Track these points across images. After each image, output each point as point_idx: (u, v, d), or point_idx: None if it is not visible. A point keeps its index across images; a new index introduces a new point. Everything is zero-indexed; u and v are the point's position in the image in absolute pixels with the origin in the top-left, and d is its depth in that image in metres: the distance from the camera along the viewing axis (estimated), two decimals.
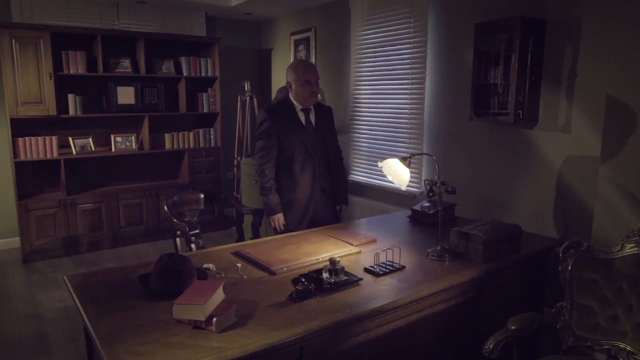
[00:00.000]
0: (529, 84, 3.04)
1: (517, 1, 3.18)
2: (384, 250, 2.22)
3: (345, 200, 3.20)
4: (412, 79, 4.09)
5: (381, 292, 1.91)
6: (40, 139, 4.64)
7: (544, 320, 2.07)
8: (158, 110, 5.20)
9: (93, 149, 5.02)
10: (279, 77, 5.98)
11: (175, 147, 5.41)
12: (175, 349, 1.46)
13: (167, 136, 5.35)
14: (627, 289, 1.99)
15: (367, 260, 2.24)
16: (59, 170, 4.82)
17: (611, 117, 2.58)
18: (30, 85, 4.47)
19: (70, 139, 4.89)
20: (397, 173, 2.48)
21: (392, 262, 2.18)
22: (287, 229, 2.93)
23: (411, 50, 4.07)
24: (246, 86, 5.39)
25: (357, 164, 4.82)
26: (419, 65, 4.00)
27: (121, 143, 5.17)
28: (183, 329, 1.58)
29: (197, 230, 2.84)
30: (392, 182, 2.64)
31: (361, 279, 2.01)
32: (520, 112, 3.06)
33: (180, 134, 5.43)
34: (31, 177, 4.82)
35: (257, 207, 3.35)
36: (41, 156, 4.65)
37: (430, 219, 2.86)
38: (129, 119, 5.23)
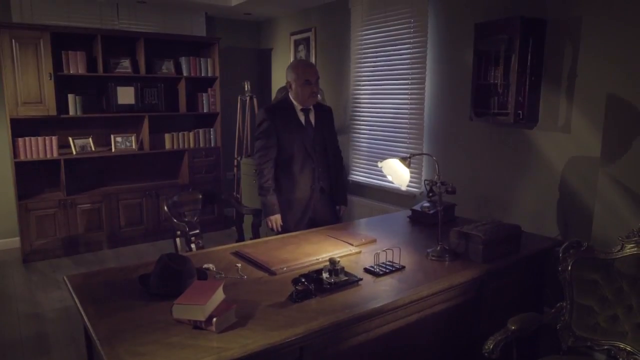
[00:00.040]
0: (529, 84, 3.04)
1: (517, 1, 3.18)
2: (384, 251, 2.22)
3: (344, 201, 3.20)
4: (412, 79, 4.09)
5: (381, 292, 1.91)
6: (40, 139, 4.64)
7: (544, 321, 2.07)
8: (158, 111, 5.21)
9: (93, 149, 5.02)
10: (279, 77, 5.98)
11: (175, 147, 5.41)
12: (175, 349, 1.46)
13: (167, 136, 5.35)
14: (627, 289, 1.99)
15: (367, 260, 2.24)
16: (59, 170, 4.82)
17: (611, 117, 2.58)
18: (30, 85, 4.47)
19: (70, 139, 4.89)
20: (397, 173, 2.48)
21: (392, 262, 2.18)
22: (286, 229, 2.92)
23: (411, 50, 4.07)
24: (246, 86, 5.39)
25: (357, 164, 4.82)
26: (419, 65, 4.00)
27: (121, 143, 5.17)
28: (183, 329, 1.58)
29: (197, 231, 2.84)
30: (392, 182, 2.64)
31: (361, 279, 2.01)
32: (520, 112, 3.06)
33: (180, 134, 5.43)
34: (31, 177, 4.82)
35: (257, 208, 3.34)
36: (41, 156, 4.65)
37: (430, 219, 2.86)
38: (129, 119, 5.23)
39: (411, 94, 4.10)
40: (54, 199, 4.72)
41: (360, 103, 4.70)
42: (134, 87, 5.01)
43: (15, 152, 4.53)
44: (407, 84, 4.14)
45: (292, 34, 5.61)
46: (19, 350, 3.07)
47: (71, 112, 4.78)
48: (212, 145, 5.64)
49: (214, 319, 1.56)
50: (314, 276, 1.96)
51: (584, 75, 2.89)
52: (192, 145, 5.50)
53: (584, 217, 2.90)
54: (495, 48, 3.10)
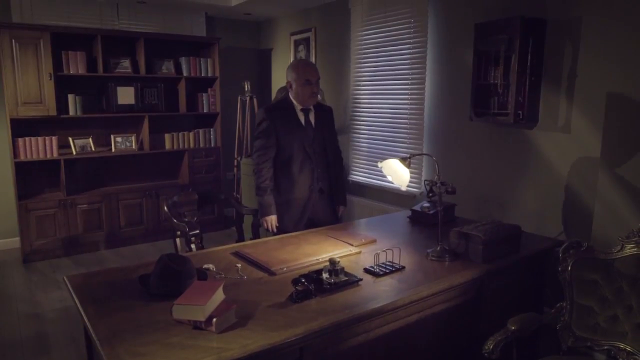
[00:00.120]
0: (529, 84, 3.04)
1: (517, 1, 3.18)
2: (383, 251, 2.22)
3: (343, 202, 3.19)
4: (412, 79, 4.09)
5: (381, 292, 1.91)
6: (40, 139, 4.64)
7: (543, 321, 2.07)
8: (158, 111, 5.21)
9: (93, 149, 5.02)
10: (279, 77, 5.98)
11: (175, 147, 5.41)
12: (175, 350, 1.46)
13: (167, 136, 5.35)
14: (627, 290, 1.99)
15: (367, 260, 2.24)
16: (59, 171, 4.82)
17: (611, 117, 2.58)
18: (30, 85, 4.47)
19: (70, 139, 4.89)
20: (397, 173, 2.48)
21: (392, 262, 2.18)
22: (285, 229, 2.91)
23: (411, 51, 4.07)
24: (246, 86, 5.39)
25: (357, 164, 4.82)
26: (419, 65, 4.00)
27: (121, 143, 5.17)
28: (183, 330, 1.58)
29: (197, 231, 2.84)
30: (392, 183, 2.64)
31: (361, 280, 2.01)
32: (520, 112, 3.06)
33: (180, 134, 5.43)
34: (31, 177, 4.82)
35: (257, 208, 3.34)
36: (41, 156, 4.65)
37: (430, 219, 2.86)
38: (129, 119, 5.23)
39: (411, 94, 4.10)
40: (54, 199, 4.72)
41: (360, 103, 4.70)
42: (134, 87, 5.01)
43: (15, 152, 4.53)
44: (407, 84, 4.14)
45: (292, 34, 5.61)
46: (19, 350, 3.07)
47: (71, 112, 4.78)
48: (212, 145, 5.64)
49: (214, 319, 1.56)
50: (313, 276, 1.96)
51: (584, 75, 2.89)
52: (192, 145, 5.50)
53: (584, 217, 2.90)
54: (495, 48, 3.10)
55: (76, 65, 4.72)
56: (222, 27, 5.97)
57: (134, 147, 5.22)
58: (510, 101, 3.06)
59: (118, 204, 5.05)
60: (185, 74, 5.37)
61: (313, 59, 5.25)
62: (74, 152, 4.87)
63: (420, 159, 4.01)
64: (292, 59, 5.63)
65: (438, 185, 2.32)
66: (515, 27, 2.96)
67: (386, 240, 2.57)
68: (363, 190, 4.76)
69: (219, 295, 1.66)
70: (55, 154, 4.71)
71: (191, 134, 5.49)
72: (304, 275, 1.92)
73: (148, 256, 4.63)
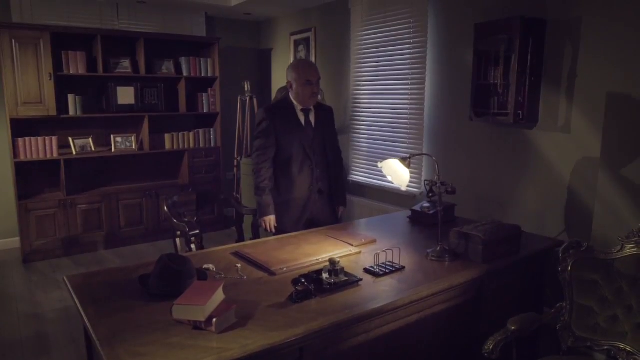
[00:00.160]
0: (528, 84, 3.04)
1: (517, 1, 3.18)
2: (383, 251, 2.22)
3: (343, 202, 3.18)
4: (412, 79, 4.09)
5: (381, 292, 1.91)
6: (40, 139, 4.64)
7: (543, 321, 2.07)
8: (158, 111, 5.21)
9: (93, 149, 5.02)
10: (279, 77, 5.98)
11: (175, 147, 5.41)
12: (175, 350, 1.46)
13: (167, 136, 5.35)
14: (627, 290, 2.00)
15: (367, 260, 2.24)
16: (59, 171, 4.82)
17: (611, 117, 2.58)
18: (30, 85, 4.47)
19: (70, 139, 4.89)
20: (397, 173, 2.48)
21: (392, 262, 2.18)
22: (284, 229, 2.90)
23: (411, 51, 4.07)
24: (246, 86, 5.39)
25: (357, 164, 4.82)
26: (418, 65, 4.00)
27: (121, 143, 5.17)
28: (183, 330, 1.58)
29: (197, 231, 2.84)
30: (392, 183, 2.64)
31: (361, 280, 2.01)
32: (520, 112, 3.06)
33: (180, 134, 5.43)
34: (31, 178, 4.82)
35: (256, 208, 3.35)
36: (41, 156, 4.65)
37: (430, 219, 2.86)
38: (129, 119, 5.23)
39: (411, 94, 4.10)
40: (54, 199, 4.72)
41: (360, 103, 4.70)
42: (134, 87, 5.01)
43: (15, 152, 4.53)
44: (407, 84, 4.14)
45: (292, 34, 5.61)
46: (19, 350, 3.07)
47: (71, 112, 4.78)
48: (212, 145, 5.64)
49: (214, 320, 1.56)
50: (313, 276, 1.96)
51: (584, 75, 2.89)
52: (192, 145, 5.50)
53: (584, 217, 2.90)
54: (495, 48, 3.10)
55: (76, 65, 4.72)
56: (222, 27, 5.97)
57: (134, 147, 5.22)
58: (510, 101, 3.06)
59: (118, 204, 5.05)
60: (185, 74, 5.37)
61: (313, 59, 5.25)
62: (74, 152, 4.87)
63: (420, 159, 4.01)
64: (292, 59, 5.63)
65: (438, 185, 2.32)
66: (515, 27, 2.96)
67: (386, 240, 2.57)
68: (363, 190, 4.76)
69: (219, 296, 1.66)
70: (55, 154, 4.71)
71: (191, 134, 5.49)
72: (304, 276, 1.92)
73: (148, 256, 4.63)
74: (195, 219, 3.16)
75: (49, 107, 4.56)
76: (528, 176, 3.25)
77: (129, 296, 1.84)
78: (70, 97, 4.76)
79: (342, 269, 1.98)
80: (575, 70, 2.93)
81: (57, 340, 3.19)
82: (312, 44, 5.28)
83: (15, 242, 4.90)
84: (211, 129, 5.63)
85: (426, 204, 2.95)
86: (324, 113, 3.05)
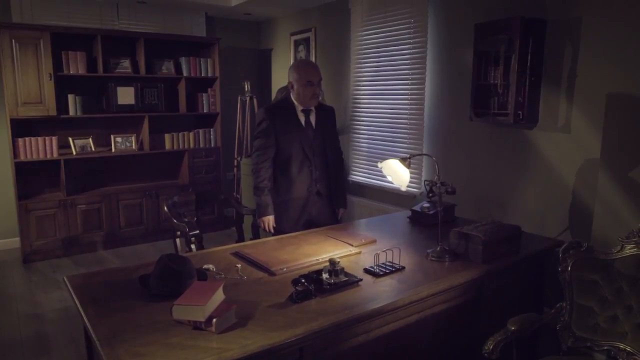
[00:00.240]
0: (528, 85, 3.04)
1: (517, 1, 3.18)
2: (383, 251, 2.22)
3: (344, 204, 3.16)
4: (412, 79, 4.09)
5: (381, 292, 1.91)
6: (40, 139, 4.64)
7: (543, 321, 2.07)
8: (158, 111, 5.21)
9: (93, 149, 5.02)
10: (279, 77, 5.98)
11: (175, 147, 5.41)
12: (175, 350, 1.46)
13: (167, 136, 5.35)
14: (626, 290, 2.00)
15: (367, 260, 2.24)
16: (59, 171, 4.82)
17: (611, 118, 2.58)
18: (30, 85, 4.47)
19: (70, 139, 4.89)
20: (397, 174, 2.48)
21: (392, 262, 2.18)
22: (282, 230, 2.90)
23: (411, 51, 4.07)
24: (246, 86, 5.39)
25: (357, 164, 4.82)
26: (418, 65, 4.00)
27: (121, 143, 5.17)
28: (183, 330, 1.58)
29: (197, 231, 2.83)
30: (392, 183, 2.64)
31: (361, 280, 2.01)
32: (520, 112, 3.06)
33: (180, 134, 5.43)
34: (31, 178, 4.82)
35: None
36: (41, 156, 4.65)
37: (430, 219, 2.86)
38: (129, 119, 5.23)
39: (411, 94, 4.10)
40: (54, 199, 4.72)
41: (360, 103, 4.70)
42: (134, 87, 5.01)
43: (15, 152, 4.53)
44: (407, 84, 4.14)
45: (292, 34, 5.61)
46: (19, 350, 3.07)
47: (71, 112, 4.78)
48: (212, 145, 5.64)
49: (214, 320, 1.56)
50: (313, 277, 1.95)
51: (584, 75, 2.89)
52: (192, 145, 5.50)
53: (584, 217, 2.90)
54: (495, 48, 3.10)
55: (76, 65, 4.72)
56: (222, 27, 5.97)
57: (134, 147, 5.22)
58: (510, 101, 3.06)
59: (118, 204, 5.05)
60: (185, 74, 5.38)
61: (313, 59, 5.25)
62: (74, 152, 4.87)
63: (420, 159, 4.01)
64: (292, 59, 5.63)
65: (438, 185, 2.32)
66: (515, 27, 2.96)
67: (386, 240, 2.57)
68: (363, 190, 4.76)
69: (219, 296, 1.66)
70: (55, 154, 4.71)
71: (191, 134, 5.49)
72: (303, 276, 1.92)
73: (148, 256, 4.63)
74: (195, 219, 3.16)
75: (49, 107, 4.56)
76: (528, 176, 3.25)
77: (129, 296, 1.84)
78: (70, 97, 4.77)
79: (342, 269, 1.98)
80: (575, 70, 2.93)
81: (57, 340, 3.19)
82: (312, 44, 5.28)
83: (15, 242, 4.90)
84: (211, 129, 5.63)
85: (426, 204, 2.95)
86: (325, 113, 3.04)
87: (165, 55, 5.35)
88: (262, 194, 2.88)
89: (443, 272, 2.13)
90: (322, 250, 2.34)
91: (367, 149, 4.67)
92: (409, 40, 4.08)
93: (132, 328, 1.58)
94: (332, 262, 1.96)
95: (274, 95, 5.70)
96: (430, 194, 2.36)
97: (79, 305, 1.77)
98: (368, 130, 4.64)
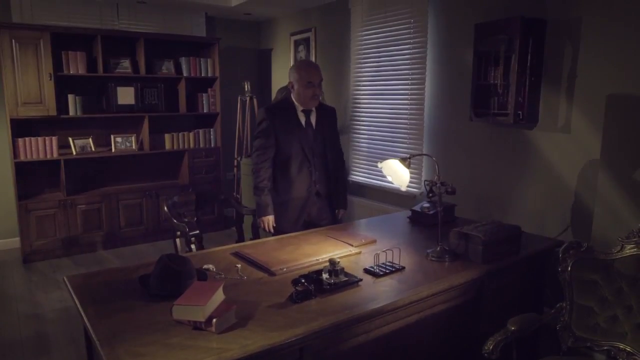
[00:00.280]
0: (528, 85, 3.04)
1: (517, 1, 3.18)
2: (383, 251, 2.22)
3: (344, 205, 3.16)
4: (412, 79, 4.09)
5: (381, 293, 1.91)
6: (40, 139, 4.64)
7: (543, 321, 2.07)
8: (158, 111, 5.21)
9: (93, 149, 5.02)
10: (279, 78, 5.98)
11: (175, 147, 5.41)
12: (175, 350, 1.46)
13: (167, 136, 5.35)
14: (626, 290, 2.00)
15: (367, 261, 2.24)
16: (59, 171, 4.82)
17: (611, 118, 2.58)
18: (30, 85, 4.47)
19: (70, 139, 4.89)
20: (397, 174, 2.48)
21: (392, 262, 2.18)
22: (282, 229, 2.90)
23: (411, 51, 4.07)
24: (246, 86, 5.39)
25: (357, 164, 4.82)
26: (418, 65, 4.00)
27: (121, 143, 5.17)
28: (183, 330, 1.58)
29: (197, 231, 2.84)
30: (392, 183, 2.64)
31: (361, 280, 2.01)
32: (520, 112, 3.06)
33: (180, 134, 5.43)
34: (31, 178, 4.82)
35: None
36: (41, 156, 4.65)
37: (430, 219, 2.86)
38: (129, 119, 5.23)
39: (411, 94, 4.10)
40: (54, 199, 4.72)
41: (360, 103, 4.70)
42: (134, 87, 5.01)
43: (15, 153, 4.53)
44: (407, 84, 4.14)
45: (292, 34, 5.61)
46: (19, 350, 3.07)
47: (71, 112, 4.78)
48: (212, 145, 5.64)
49: (214, 320, 1.56)
50: (313, 277, 1.95)
51: (584, 75, 2.89)
52: (192, 145, 5.50)
53: (584, 217, 2.90)
54: (495, 48, 3.10)
55: (76, 65, 4.72)
56: (222, 27, 5.97)
57: (134, 147, 5.22)
58: (510, 101, 3.06)
59: (118, 204, 5.05)
60: (185, 74, 5.38)
61: (313, 59, 5.25)
62: (74, 152, 4.87)
63: (420, 159, 4.01)
64: (292, 59, 5.63)
65: (438, 185, 2.32)
66: (515, 27, 2.96)
67: (386, 240, 2.57)
68: (363, 190, 4.76)
69: (218, 296, 1.66)
70: (55, 154, 4.71)
71: (191, 134, 5.49)
72: (303, 276, 1.91)
73: (148, 256, 4.62)
74: (195, 219, 3.15)
75: (49, 107, 4.56)
76: (528, 176, 3.25)
77: (129, 296, 1.84)
78: (70, 97, 4.77)
79: (342, 269, 1.98)
80: (575, 70, 2.93)
81: (57, 340, 3.19)
82: (312, 44, 5.28)
83: (15, 242, 4.90)
84: (211, 129, 5.63)
85: (426, 204, 2.95)
86: (326, 114, 3.03)
87: (165, 55, 5.35)
88: (262, 194, 2.88)
89: (443, 272, 2.13)
90: (322, 250, 2.34)
91: (367, 149, 4.67)
92: (409, 40, 4.08)
93: (132, 328, 1.58)
94: (332, 262, 1.96)
95: (274, 96, 5.70)
96: (430, 194, 2.36)
97: (79, 305, 1.77)
98: (368, 130, 4.63)
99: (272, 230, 2.91)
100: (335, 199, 3.08)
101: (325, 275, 1.95)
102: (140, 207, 5.19)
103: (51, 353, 3.04)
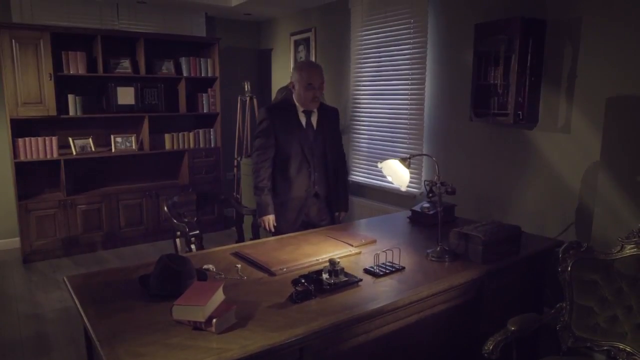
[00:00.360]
0: (528, 85, 3.04)
1: (517, 1, 3.18)
2: (383, 251, 2.22)
3: (345, 207, 3.15)
4: (412, 79, 4.09)
5: (381, 293, 1.91)
6: (40, 139, 4.64)
7: (543, 321, 2.07)
8: (158, 111, 5.21)
9: (93, 149, 5.02)
10: (279, 78, 5.98)
11: (175, 147, 5.41)
12: (175, 350, 1.46)
13: (167, 136, 5.35)
14: (626, 290, 2.00)
15: (367, 261, 2.24)
16: (59, 171, 4.82)
17: (611, 118, 2.58)
18: (30, 85, 4.47)
19: (70, 139, 4.89)
20: (397, 174, 2.48)
21: (392, 263, 2.18)
22: (281, 230, 2.90)
23: (411, 51, 4.07)
24: (246, 86, 5.39)
25: (357, 165, 4.82)
26: (418, 65, 4.00)
27: (121, 143, 5.17)
28: (183, 330, 1.58)
29: (197, 231, 2.84)
30: (392, 183, 2.64)
31: (361, 280, 2.01)
32: (520, 112, 3.06)
33: (180, 134, 5.43)
34: (31, 178, 4.82)
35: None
36: (41, 156, 4.65)
37: (430, 219, 2.86)
38: (129, 120, 5.23)
39: (411, 94, 4.10)
40: (54, 200, 4.72)
41: (360, 103, 4.70)
42: (134, 87, 5.01)
43: (15, 153, 4.53)
44: (407, 84, 4.14)
45: (292, 34, 5.61)
46: (19, 350, 3.07)
47: (71, 113, 4.78)
48: (212, 145, 5.64)
49: (214, 320, 1.56)
50: (313, 277, 1.95)
51: (584, 75, 2.89)
52: (192, 145, 5.50)
53: (584, 217, 2.90)
54: (495, 48, 3.10)
55: (76, 66, 4.72)
56: (222, 27, 5.97)
57: (134, 147, 5.22)
58: (510, 101, 3.06)
59: (118, 204, 5.05)
60: (185, 74, 5.38)
61: (313, 59, 5.24)
62: (74, 152, 4.87)
63: (420, 159, 4.01)
64: (292, 59, 5.63)
65: (438, 185, 2.32)
66: (515, 27, 2.96)
67: (386, 240, 2.57)
68: (363, 190, 4.76)
69: (218, 296, 1.66)
70: (55, 154, 4.71)
71: (191, 134, 5.49)
72: (303, 276, 1.91)
73: (148, 256, 4.62)
74: (195, 219, 3.16)
75: (49, 107, 4.56)
76: (528, 176, 3.25)
77: (129, 296, 1.84)
78: (70, 97, 4.77)
79: (342, 269, 1.98)
80: (575, 70, 2.93)
81: (57, 340, 3.19)
82: (312, 44, 5.28)
83: (15, 242, 4.90)
84: (211, 129, 5.63)
85: (426, 204, 2.95)
86: (328, 115, 3.01)
87: (165, 55, 5.35)
88: (262, 194, 2.87)
89: (443, 272, 2.13)
90: (322, 251, 2.34)
91: (367, 149, 4.67)
92: (409, 41, 4.08)
93: (132, 328, 1.58)
94: (332, 262, 1.96)
95: (274, 96, 5.69)
96: (430, 194, 2.36)
97: (79, 306, 1.77)
98: (368, 130, 4.63)
99: (272, 230, 2.91)
100: (336, 201, 3.07)
101: (325, 276, 1.95)
102: (140, 207, 5.19)
103: (51, 353, 3.04)
